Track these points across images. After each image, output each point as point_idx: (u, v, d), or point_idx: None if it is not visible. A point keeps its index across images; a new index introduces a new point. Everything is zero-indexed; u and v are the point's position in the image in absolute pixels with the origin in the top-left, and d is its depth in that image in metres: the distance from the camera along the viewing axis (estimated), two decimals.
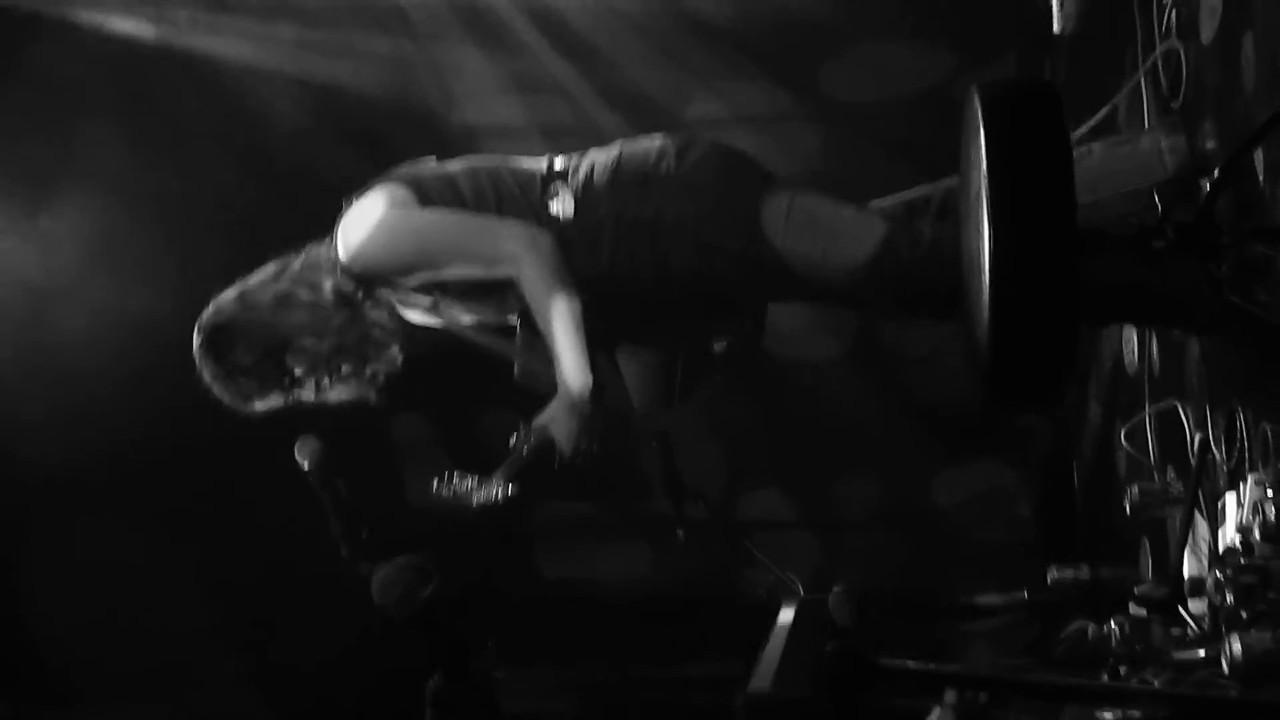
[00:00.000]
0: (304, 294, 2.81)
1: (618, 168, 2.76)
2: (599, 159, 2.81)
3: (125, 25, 4.68)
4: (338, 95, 4.75)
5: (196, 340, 2.84)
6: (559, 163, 2.83)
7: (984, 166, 1.93)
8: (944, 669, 2.26)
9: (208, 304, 2.88)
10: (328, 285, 2.82)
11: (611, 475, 4.50)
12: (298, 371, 2.82)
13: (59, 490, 4.54)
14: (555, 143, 4.72)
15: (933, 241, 2.58)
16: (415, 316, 3.00)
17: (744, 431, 4.85)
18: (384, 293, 2.87)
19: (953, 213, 2.55)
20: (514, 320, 2.90)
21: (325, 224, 2.93)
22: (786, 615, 2.48)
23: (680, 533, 3.18)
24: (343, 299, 2.82)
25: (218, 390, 2.84)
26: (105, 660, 4.47)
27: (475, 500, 2.52)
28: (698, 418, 4.63)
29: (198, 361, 2.84)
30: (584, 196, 2.76)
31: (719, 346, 3.01)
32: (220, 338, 2.82)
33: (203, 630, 4.57)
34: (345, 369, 2.86)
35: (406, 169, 2.90)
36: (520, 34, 4.79)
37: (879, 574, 4.62)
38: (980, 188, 1.98)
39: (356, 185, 2.93)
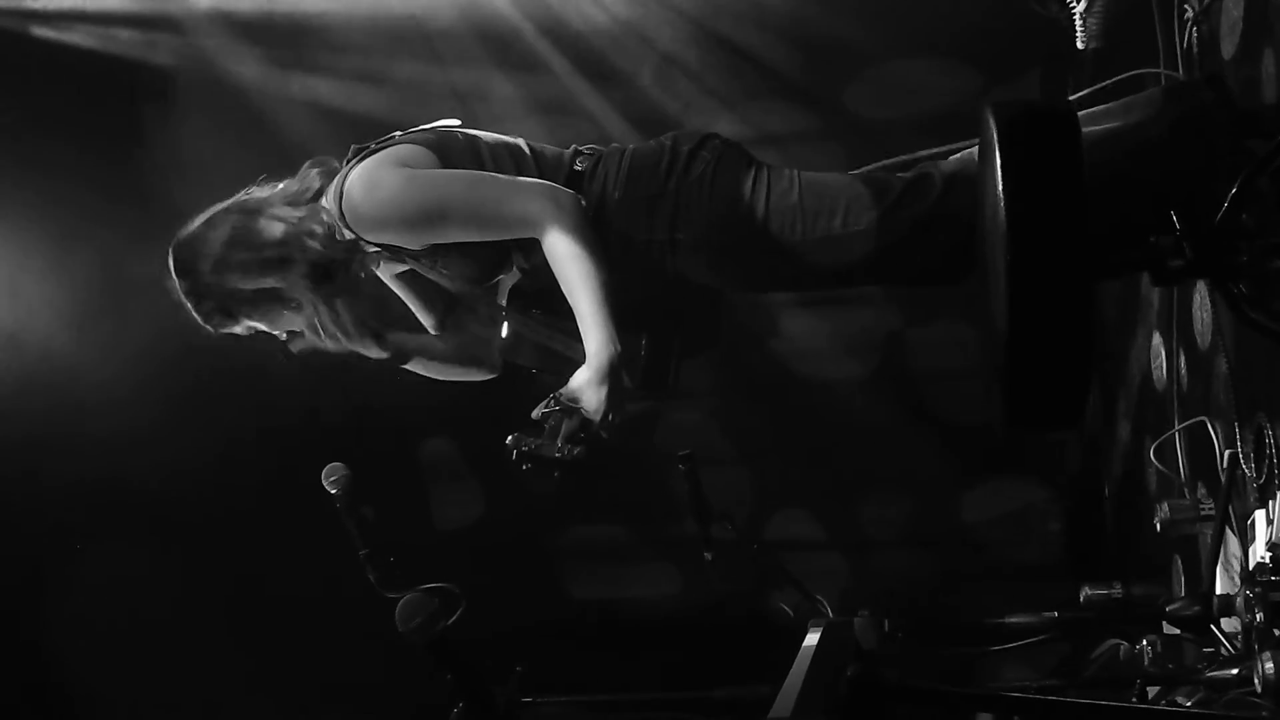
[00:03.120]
0: (279, 227, 2.71)
1: (627, 184, 2.70)
2: (610, 170, 2.73)
3: (149, 51, 4.70)
4: (361, 121, 4.71)
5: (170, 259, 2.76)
6: (578, 164, 2.76)
7: (1000, 189, 1.93)
8: (969, 691, 2.24)
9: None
10: (307, 222, 2.71)
11: (639, 497, 4.60)
12: (253, 323, 2.76)
13: (83, 524, 4.57)
14: None
15: (945, 182, 2.57)
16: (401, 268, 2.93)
17: (771, 453, 4.87)
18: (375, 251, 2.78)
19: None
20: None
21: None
22: (812, 639, 2.46)
23: (707, 555, 3.19)
24: (329, 245, 2.71)
25: (188, 308, 2.76)
26: (130, 697, 4.49)
27: (554, 454, 2.45)
28: (724, 440, 4.69)
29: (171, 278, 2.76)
30: (597, 212, 2.70)
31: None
32: (183, 284, 2.74)
33: (228, 663, 4.59)
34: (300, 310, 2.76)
35: (429, 130, 2.82)
36: (544, 58, 4.80)
37: (908, 594, 4.63)
38: (997, 209, 1.97)
39: None
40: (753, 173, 2.67)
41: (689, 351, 2.87)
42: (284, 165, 4.51)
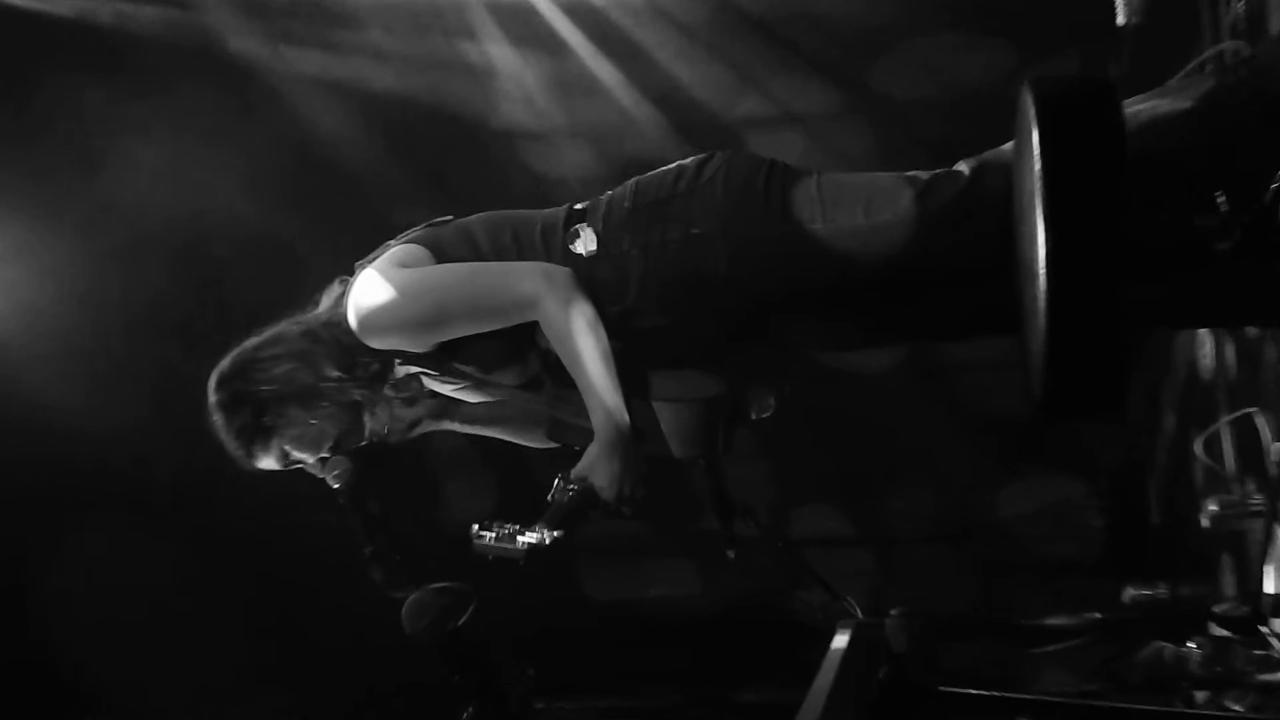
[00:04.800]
0: (300, 359, 2.79)
1: (636, 196, 2.73)
2: (617, 192, 2.78)
3: (160, 28, 4.71)
4: (374, 100, 4.78)
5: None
6: (580, 205, 2.80)
7: (1038, 168, 1.91)
8: (1008, 695, 2.22)
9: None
10: (325, 354, 2.79)
11: (658, 494, 4.59)
12: (288, 445, 2.82)
13: (87, 509, 4.57)
14: (597, 146, 4.85)
15: (974, 173, 2.52)
16: (444, 389, 2.98)
17: (796, 445, 4.78)
18: (402, 370, 2.86)
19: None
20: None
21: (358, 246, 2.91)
22: (840, 640, 2.45)
23: (730, 552, 3.11)
24: (348, 370, 2.80)
25: (220, 428, 2.83)
26: (131, 688, 4.46)
27: (521, 545, 2.44)
28: (746, 432, 4.65)
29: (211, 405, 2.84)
30: (606, 231, 2.72)
31: (759, 409, 2.96)
32: (219, 396, 2.82)
33: (234, 660, 4.60)
34: (334, 443, 2.84)
35: (421, 229, 2.89)
36: (561, 34, 4.80)
37: (940, 593, 4.61)
38: (1034, 190, 1.95)
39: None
40: (765, 167, 2.68)
41: (744, 412, 2.87)
42: (287, 147, 4.64)
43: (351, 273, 2.85)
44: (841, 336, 2.90)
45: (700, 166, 2.71)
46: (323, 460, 2.87)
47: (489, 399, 3.09)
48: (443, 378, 2.91)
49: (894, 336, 3.01)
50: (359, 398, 2.83)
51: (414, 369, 2.87)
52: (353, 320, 2.75)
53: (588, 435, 2.70)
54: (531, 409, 3.00)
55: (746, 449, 4.42)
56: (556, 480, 2.60)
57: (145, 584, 4.50)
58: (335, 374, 2.79)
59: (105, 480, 4.55)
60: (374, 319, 2.73)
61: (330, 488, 2.81)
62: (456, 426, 3.07)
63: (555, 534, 2.45)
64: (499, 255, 2.78)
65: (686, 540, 4.74)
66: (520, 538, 2.45)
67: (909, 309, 2.70)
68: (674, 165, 2.77)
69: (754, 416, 2.92)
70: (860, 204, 2.57)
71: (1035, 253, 1.96)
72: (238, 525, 4.60)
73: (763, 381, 2.94)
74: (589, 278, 2.70)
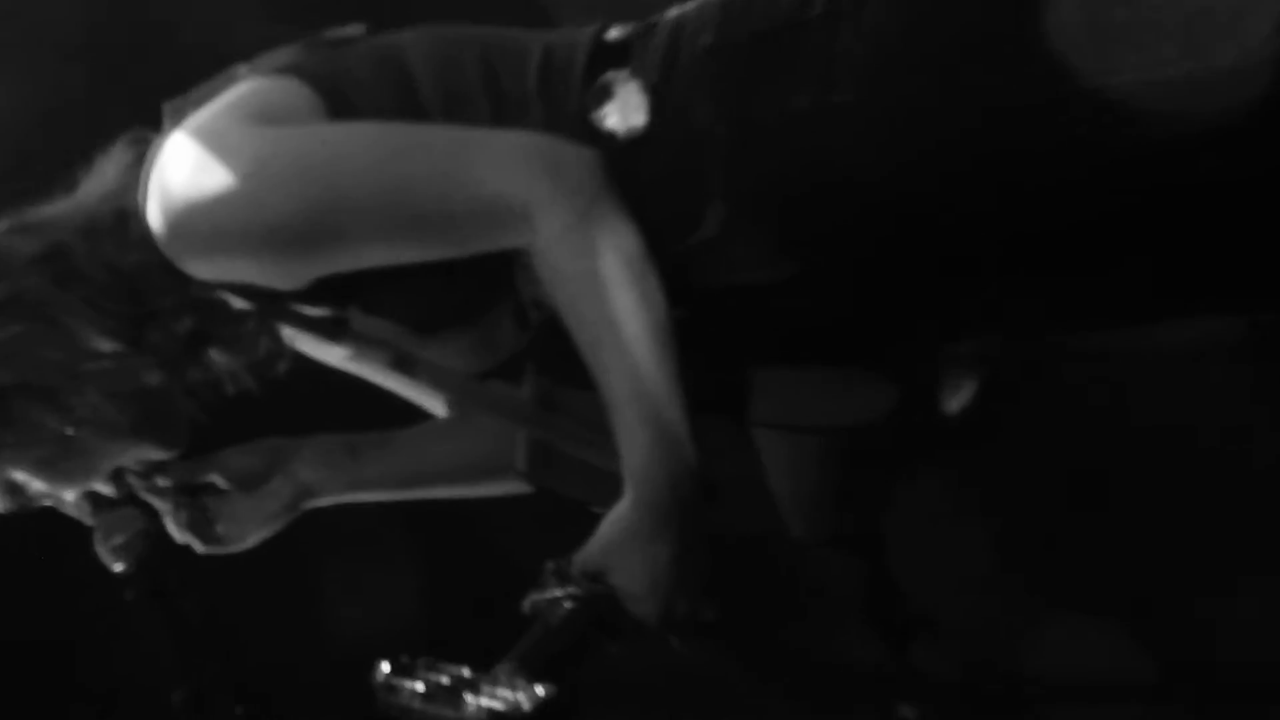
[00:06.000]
0: (36, 316, 2.81)
1: (723, 24, 2.71)
2: (689, 16, 2.77)
3: None
4: None
5: None
6: (616, 32, 2.82)
7: None
8: None
9: None
10: (85, 304, 2.81)
11: (748, 586, 4.47)
12: (23, 472, 2.88)
13: None
14: None
15: None
16: (327, 358, 3.06)
17: (1023, 492, 4.68)
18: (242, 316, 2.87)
19: None
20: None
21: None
22: None
23: (906, 716, 3.06)
24: (131, 337, 2.82)
25: None
26: None
27: (474, 710, 2.30)
28: (926, 472, 4.55)
29: None
30: (666, 89, 2.70)
31: (955, 399, 2.96)
32: None
33: None
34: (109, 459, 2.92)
35: (302, 49, 2.91)
36: None
37: None
38: None
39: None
40: None
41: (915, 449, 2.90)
42: None
43: (157, 126, 2.86)
44: (1117, 304, 2.85)
45: None
46: (95, 504, 2.95)
47: (419, 393, 3.21)
48: (325, 339, 2.91)
49: (1227, 301, 2.87)
50: (159, 382, 2.87)
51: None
52: (157, 222, 2.71)
53: (610, 485, 2.67)
54: (490, 429, 3.11)
55: (926, 503, 4.34)
56: (544, 572, 2.57)
57: None
58: (109, 347, 2.81)
59: None
60: (199, 221, 2.69)
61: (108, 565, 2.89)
62: (339, 499, 3.24)
63: (542, 692, 2.30)
64: (452, 113, 2.76)
65: (806, 681, 4.67)
66: (471, 697, 2.32)
67: (1257, 242, 2.64)
68: None
69: (952, 410, 2.97)
70: (1172, 37, 2.48)
71: None
72: None
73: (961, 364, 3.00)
74: (631, 177, 2.68)
